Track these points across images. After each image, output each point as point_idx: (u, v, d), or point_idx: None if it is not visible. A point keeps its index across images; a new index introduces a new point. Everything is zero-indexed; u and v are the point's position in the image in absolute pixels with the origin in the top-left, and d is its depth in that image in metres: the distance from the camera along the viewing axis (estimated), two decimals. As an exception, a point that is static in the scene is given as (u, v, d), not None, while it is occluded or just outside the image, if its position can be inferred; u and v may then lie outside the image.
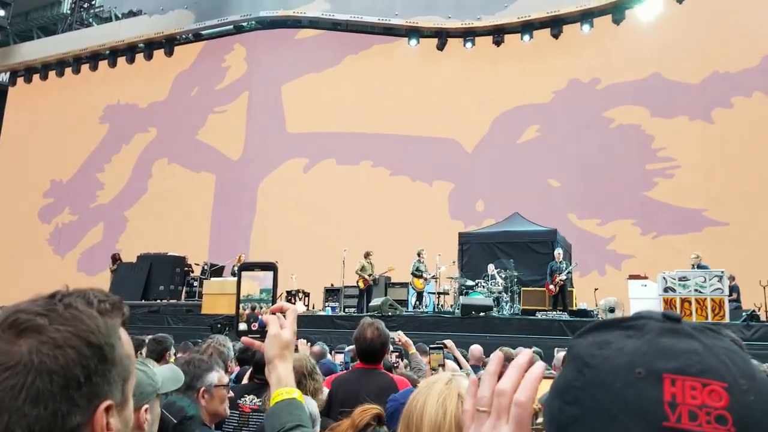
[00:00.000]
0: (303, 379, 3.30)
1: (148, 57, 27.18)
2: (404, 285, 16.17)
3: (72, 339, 0.85)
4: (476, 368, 6.79)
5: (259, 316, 1.53)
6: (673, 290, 12.38)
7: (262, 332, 1.51)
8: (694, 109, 19.50)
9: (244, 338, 1.54)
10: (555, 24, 21.77)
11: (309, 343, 7.50)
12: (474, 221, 19.32)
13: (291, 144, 23.84)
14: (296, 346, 1.69)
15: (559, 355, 7.04)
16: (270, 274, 1.57)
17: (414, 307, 15.20)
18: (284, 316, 1.51)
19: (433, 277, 15.28)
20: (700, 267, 12.84)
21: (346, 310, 15.70)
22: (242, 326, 1.55)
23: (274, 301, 1.55)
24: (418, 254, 15.31)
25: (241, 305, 1.56)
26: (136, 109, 27.06)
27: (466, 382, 1.69)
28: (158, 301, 17.73)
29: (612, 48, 21.15)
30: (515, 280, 14.52)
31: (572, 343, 0.75)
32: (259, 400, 3.54)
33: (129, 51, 27.40)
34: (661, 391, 0.63)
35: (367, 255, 15.50)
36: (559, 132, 20.93)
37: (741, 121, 18.84)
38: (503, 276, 14.34)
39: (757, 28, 19.11)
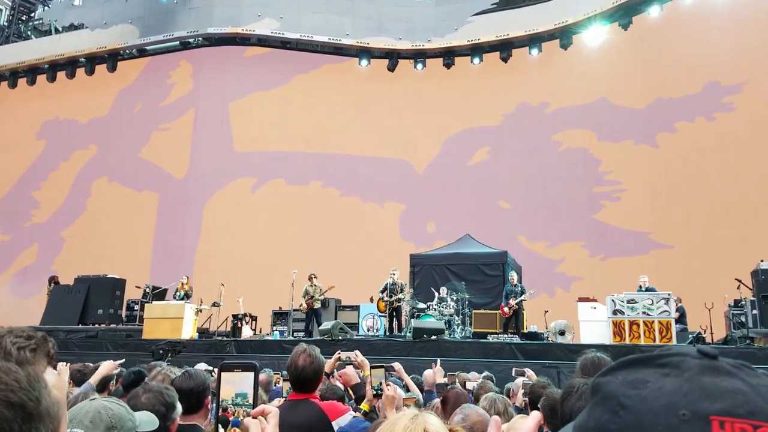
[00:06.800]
0: None
1: (90, 72, 26.42)
2: (355, 308, 15.83)
3: None
4: (430, 393, 6.52)
5: (230, 418, 1.45)
6: (622, 313, 12.48)
7: None
8: (640, 133, 19.95)
9: None
10: (504, 48, 22.12)
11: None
12: (425, 243, 19.17)
13: (238, 163, 23.37)
14: None
15: (518, 381, 6.77)
16: (250, 375, 1.51)
17: (385, 333, 14.47)
18: (266, 419, 1.42)
19: (397, 299, 14.67)
20: (648, 290, 12.96)
21: (295, 334, 15.23)
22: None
23: (255, 404, 1.45)
24: (392, 274, 14.53)
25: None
26: (76, 125, 26.14)
27: (433, 418, 1.60)
28: (96, 325, 16.97)
29: (560, 72, 21.54)
30: (466, 302, 14.35)
31: (599, 381, 0.70)
32: None
33: (69, 65, 26.60)
34: None
35: (310, 278, 15.00)
36: (508, 154, 21.12)
37: (684, 145, 19.35)
38: (454, 298, 14.14)
39: (699, 56, 19.74)
